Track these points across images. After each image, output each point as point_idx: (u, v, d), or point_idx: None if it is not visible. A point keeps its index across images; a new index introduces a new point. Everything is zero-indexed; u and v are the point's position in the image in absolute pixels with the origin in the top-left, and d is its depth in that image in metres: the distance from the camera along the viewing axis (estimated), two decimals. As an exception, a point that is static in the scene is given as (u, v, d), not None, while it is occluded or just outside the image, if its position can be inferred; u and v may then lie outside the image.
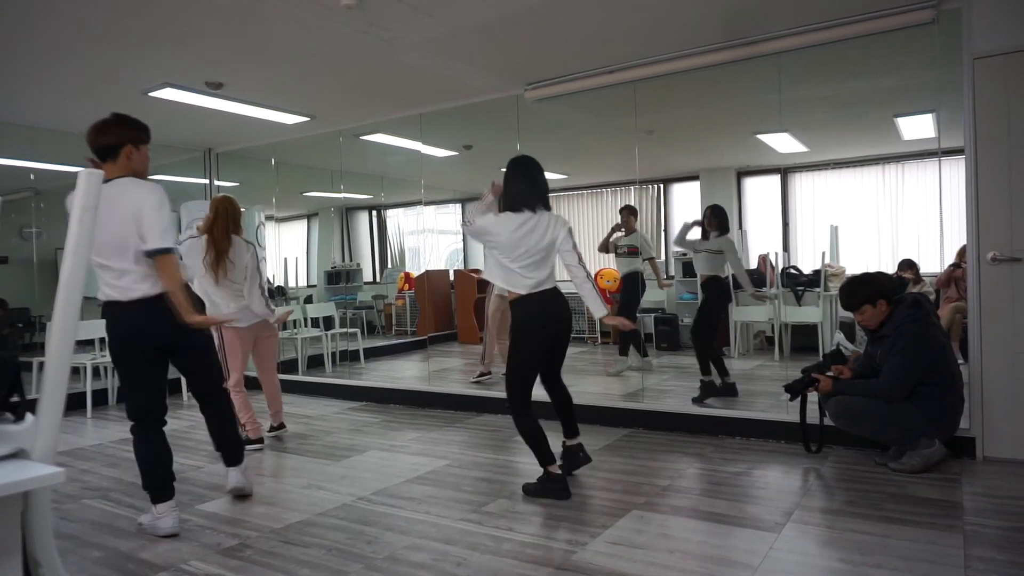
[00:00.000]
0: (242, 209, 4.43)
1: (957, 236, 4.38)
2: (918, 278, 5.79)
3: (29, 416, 1.43)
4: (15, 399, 1.47)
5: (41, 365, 5.80)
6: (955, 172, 3.99)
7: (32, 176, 6.20)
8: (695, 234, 5.42)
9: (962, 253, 5.10)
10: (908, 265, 5.83)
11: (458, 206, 9.80)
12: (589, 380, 6.46)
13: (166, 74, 4.51)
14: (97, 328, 5.90)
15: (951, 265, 5.52)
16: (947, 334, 3.80)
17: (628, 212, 6.40)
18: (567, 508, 3.06)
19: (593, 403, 4.80)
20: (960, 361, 3.64)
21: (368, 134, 6.26)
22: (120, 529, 2.99)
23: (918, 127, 5.80)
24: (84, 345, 5.93)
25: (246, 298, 4.21)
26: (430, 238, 9.83)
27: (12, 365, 1.45)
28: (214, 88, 4.80)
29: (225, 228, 4.11)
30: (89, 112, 5.32)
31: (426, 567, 2.50)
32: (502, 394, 5.32)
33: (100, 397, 5.89)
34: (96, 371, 5.91)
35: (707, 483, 3.38)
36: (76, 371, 5.47)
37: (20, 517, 1.36)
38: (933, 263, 5.60)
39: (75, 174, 1.49)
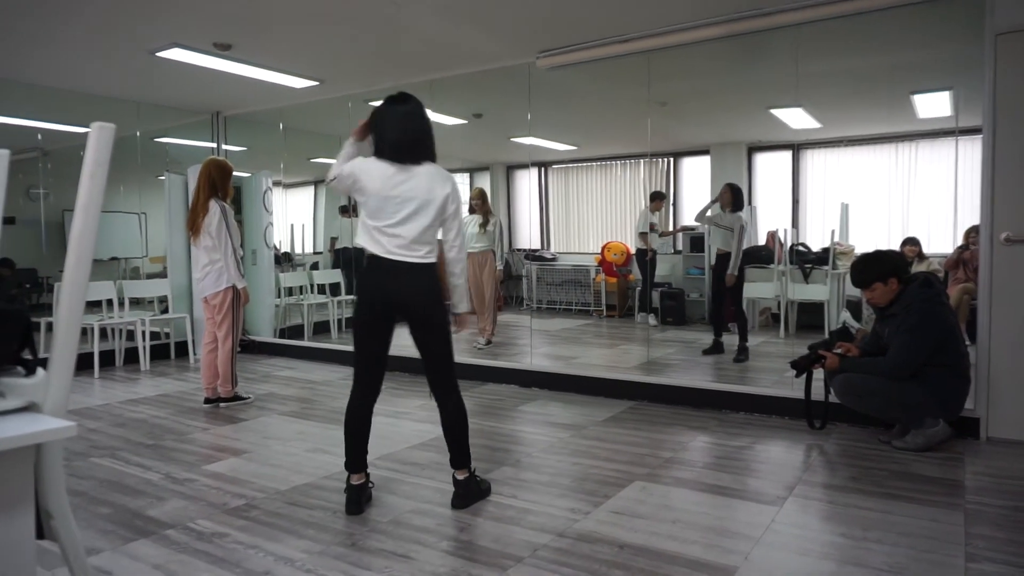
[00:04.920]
0: (235, 173, 4.57)
1: (968, 217, 4.35)
2: (920, 255, 5.77)
3: (40, 371, 1.44)
4: (27, 355, 1.48)
5: (49, 325, 5.84)
6: (968, 151, 3.94)
7: (39, 136, 6.17)
8: (715, 208, 5.64)
9: (969, 234, 5.06)
10: (912, 242, 5.80)
11: (467, 175, 9.74)
12: (594, 352, 6.49)
13: (174, 34, 4.45)
14: (105, 289, 5.94)
15: (959, 247, 5.48)
16: (956, 315, 3.78)
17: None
18: (570, 477, 3.08)
19: (598, 375, 4.82)
20: (967, 342, 3.63)
21: (377, 100, 6.14)
22: (128, 487, 3.02)
23: (934, 105, 5.72)
24: (91, 306, 5.95)
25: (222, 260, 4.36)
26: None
27: (24, 320, 1.45)
28: (222, 49, 4.75)
29: (198, 193, 4.35)
30: (97, 72, 5.35)
31: (430, 531, 2.53)
32: (507, 364, 5.39)
33: (107, 358, 5.93)
34: (104, 332, 5.95)
35: (710, 456, 3.40)
36: (84, 332, 5.50)
37: (33, 470, 1.37)
38: (945, 243, 5.56)
39: (83, 135, 1.47)
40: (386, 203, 2.62)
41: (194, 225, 4.33)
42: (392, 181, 2.63)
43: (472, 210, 6.46)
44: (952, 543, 2.37)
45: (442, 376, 2.78)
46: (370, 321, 2.70)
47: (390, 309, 2.68)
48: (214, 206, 4.29)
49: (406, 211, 2.63)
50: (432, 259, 2.70)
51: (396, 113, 2.71)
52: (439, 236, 2.76)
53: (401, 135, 2.67)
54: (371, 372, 2.79)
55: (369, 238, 2.67)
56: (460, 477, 2.79)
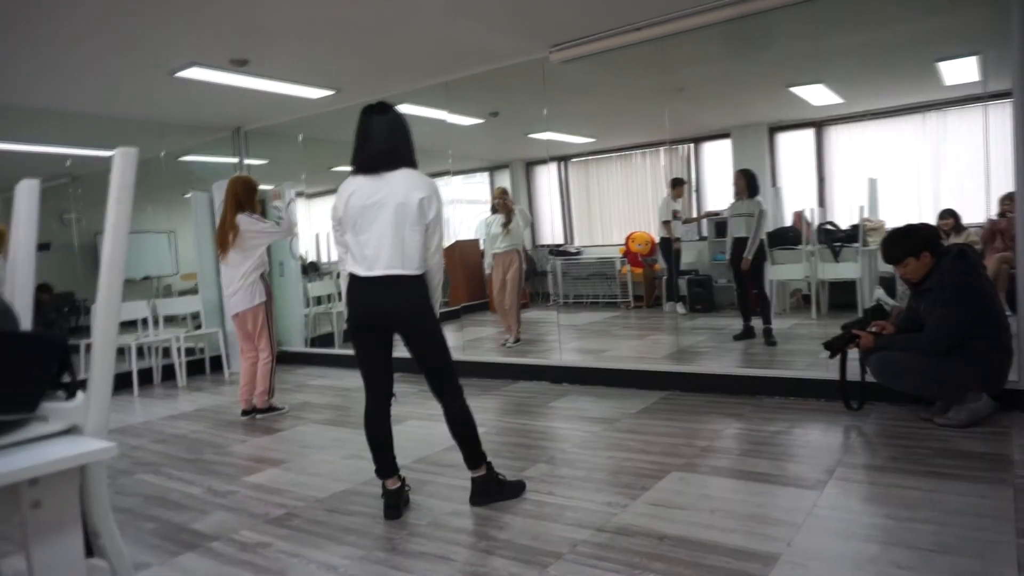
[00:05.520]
0: (260, 187, 4.63)
1: (1002, 184, 4.22)
2: (958, 227, 5.63)
3: (80, 394, 1.47)
4: (66, 379, 1.51)
5: (88, 347, 5.97)
6: (998, 117, 3.83)
7: (68, 162, 6.32)
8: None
9: (1004, 202, 4.93)
10: (948, 214, 5.67)
11: (486, 175, 9.76)
12: (624, 344, 6.45)
13: (192, 53, 4.52)
14: (140, 309, 6.06)
15: (992, 219, 5.35)
16: (994, 285, 3.69)
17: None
18: (606, 471, 3.07)
19: (629, 367, 4.80)
20: (1008, 313, 3.54)
21: (394, 105, 6.21)
22: (172, 502, 3.09)
23: (961, 71, 5.58)
24: (128, 326, 6.08)
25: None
26: (459, 208, 9.81)
27: (62, 344, 1.48)
28: (239, 65, 4.81)
29: (225, 211, 4.42)
30: (120, 96, 5.46)
31: (468, 532, 2.54)
32: (537, 360, 5.39)
33: (145, 376, 6.05)
34: (140, 351, 6.08)
35: (747, 443, 3.36)
36: (121, 351, 5.62)
37: (78, 491, 1.40)
38: (978, 213, 5.43)
39: (110, 158, 1.50)
40: (364, 212, 2.59)
41: (223, 243, 4.39)
42: (370, 189, 2.61)
43: (495, 209, 6.45)
44: (1002, 519, 2.31)
45: (442, 382, 2.76)
46: (363, 335, 2.69)
47: (379, 322, 2.65)
48: (243, 222, 4.37)
49: (384, 216, 2.58)
50: (419, 272, 2.65)
51: (374, 124, 2.70)
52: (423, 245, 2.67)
53: (379, 145, 2.66)
54: (377, 380, 2.78)
55: (355, 257, 2.64)
56: (476, 475, 2.81)
